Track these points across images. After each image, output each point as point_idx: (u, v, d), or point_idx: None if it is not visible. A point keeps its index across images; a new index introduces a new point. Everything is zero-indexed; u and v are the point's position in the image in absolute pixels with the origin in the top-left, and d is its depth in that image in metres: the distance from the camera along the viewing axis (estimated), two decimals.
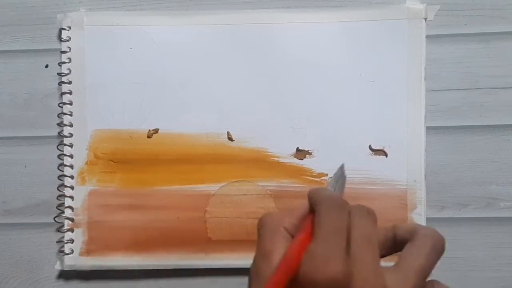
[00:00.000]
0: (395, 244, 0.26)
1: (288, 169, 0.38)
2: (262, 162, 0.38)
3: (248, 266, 0.38)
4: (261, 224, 0.26)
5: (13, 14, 0.40)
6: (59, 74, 0.38)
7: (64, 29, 0.38)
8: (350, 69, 0.37)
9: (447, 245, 0.37)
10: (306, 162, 0.38)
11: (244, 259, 0.37)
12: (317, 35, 0.38)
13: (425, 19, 0.37)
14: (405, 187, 0.37)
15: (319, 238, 0.23)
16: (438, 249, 0.25)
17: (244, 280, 0.38)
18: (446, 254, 0.37)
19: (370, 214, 0.24)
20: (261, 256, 0.25)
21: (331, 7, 0.38)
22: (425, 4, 0.37)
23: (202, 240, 0.38)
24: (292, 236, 0.25)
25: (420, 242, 0.25)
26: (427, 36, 0.37)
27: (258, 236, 0.25)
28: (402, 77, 0.37)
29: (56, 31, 0.39)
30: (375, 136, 0.37)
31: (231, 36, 0.38)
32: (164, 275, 0.38)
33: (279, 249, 0.25)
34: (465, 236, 0.38)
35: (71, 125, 0.38)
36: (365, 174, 0.37)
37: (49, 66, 0.39)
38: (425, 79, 0.37)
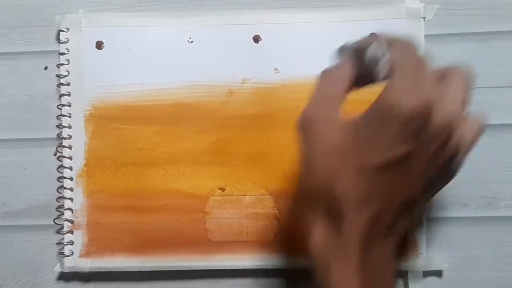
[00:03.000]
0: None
1: None
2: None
3: (249, 267, 0.39)
4: (323, 74, 0.26)
5: (11, 16, 0.40)
6: (58, 76, 0.38)
7: (63, 30, 0.38)
8: None
9: (448, 244, 0.39)
10: None
11: (244, 260, 0.37)
12: (316, 35, 0.38)
13: (424, 18, 0.37)
14: None
15: (402, 73, 0.23)
16: (470, 82, 0.27)
17: (245, 282, 0.38)
18: (446, 253, 0.38)
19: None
20: (323, 99, 0.25)
21: (330, 7, 0.38)
22: (423, 3, 0.37)
23: (202, 242, 0.38)
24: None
25: (456, 79, 0.26)
26: (426, 36, 0.37)
27: (317, 85, 0.26)
28: None
29: (54, 33, 0.39)
30: None
31: (229, 36, 0.38)
32: (164, 276, 0.38)
33: (343, 93, 0.25)
34: (465, 235, 0.38)
35: (70, 127, 0.38)
36: None
37: (48, 68, 0.39)
38: None
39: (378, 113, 0.23)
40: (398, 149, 0.23)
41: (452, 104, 0.24)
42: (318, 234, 0.25)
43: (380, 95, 0.23)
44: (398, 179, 0.24)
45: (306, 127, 0.25)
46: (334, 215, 0.24)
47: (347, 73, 0.26)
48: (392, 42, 0.25)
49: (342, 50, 0.27)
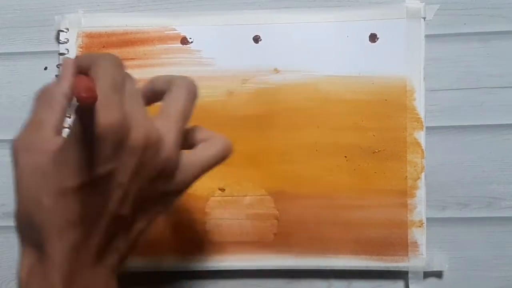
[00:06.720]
0: (155, 95, 0.28)
1: None
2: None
3: (250, 268, 0.39)
4: (38, 95, 0.26)
5: (11, 17, 0.40)
6: (58, 76, 0.38)
7: (62, 31, 0.38)
8: (349, 69, 0.37)
9: (448, 244, 0.38)
10: None
11: (244, 261, 0.37)
12: (315, 35, 0.38)
13: (424, 18, 0.37)
14: (405, 187, 0.37)
15: (100, 91, 0.23)
16: (192, 94, 0.27)
17: (245, 282, 0.38)
18: (447, 253, 0.38)
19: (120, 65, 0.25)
20: (33, 125, 0.26)
21: (329, 7, 0.38)
22: (424, 4, 0.37)
23: (202, 242, 0.38)
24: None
25: (177, 90, 0.27)
26: (426, 36, 0.37)
27: (33, 108, 0.26)
28: (401, 77, 0.37)
29: (54, 33, 0.39)
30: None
31: (229, 36, 0.38)
32: (164, 277, 0.39)
33: (54, 117, 0.26)
34: (465, 236, 0.38)
35: (69, 128, 0.38)
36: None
37: (47, 68, 0.39)
38: (424, 78, 0.37)
39: (75, 133, 0.23)
40: (97, 169, 0.23)
41: (160, 121, 0.25)
42: (25, 262, 0.25)
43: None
44: (102, 198, 0.24)
45: (13, 153, 0.26)
46: (37, 243, 0.24)
47: (61, 94, 0.26)
48: (95, 59, 0.25)
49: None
